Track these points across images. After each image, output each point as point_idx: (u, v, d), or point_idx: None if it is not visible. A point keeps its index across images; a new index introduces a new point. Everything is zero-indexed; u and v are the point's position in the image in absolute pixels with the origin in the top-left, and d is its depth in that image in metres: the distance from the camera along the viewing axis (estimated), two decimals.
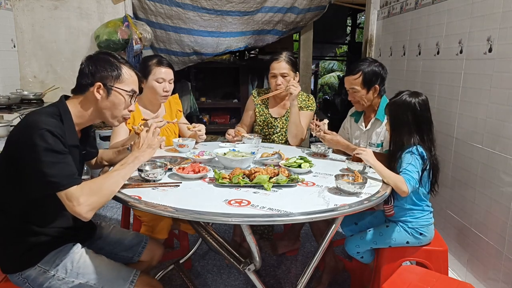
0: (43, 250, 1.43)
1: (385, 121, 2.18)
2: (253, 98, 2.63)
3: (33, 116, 1.34)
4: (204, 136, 2.35)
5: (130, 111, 1.54)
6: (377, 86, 2.16)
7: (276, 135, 2.58)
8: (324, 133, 2.17)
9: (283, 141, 2.56)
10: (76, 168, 1.35)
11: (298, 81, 2.51)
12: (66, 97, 1.48)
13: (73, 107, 1.44)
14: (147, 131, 1.59)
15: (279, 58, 2.43)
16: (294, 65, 2.47)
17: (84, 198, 1.28)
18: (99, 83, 1.42)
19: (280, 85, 2.42)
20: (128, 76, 1.48)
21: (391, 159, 1.83)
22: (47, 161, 1.26)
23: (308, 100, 2.55)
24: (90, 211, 1.30)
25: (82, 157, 1.59)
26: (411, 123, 1.78)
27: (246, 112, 2.67)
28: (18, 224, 1.41)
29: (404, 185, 1.67)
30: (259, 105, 2.61)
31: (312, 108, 2.54)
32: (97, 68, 1.43)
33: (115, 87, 1.45)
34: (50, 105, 1.44)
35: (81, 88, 1.44)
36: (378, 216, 2.05)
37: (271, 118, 2.58)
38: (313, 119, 2.30)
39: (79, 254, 1.46)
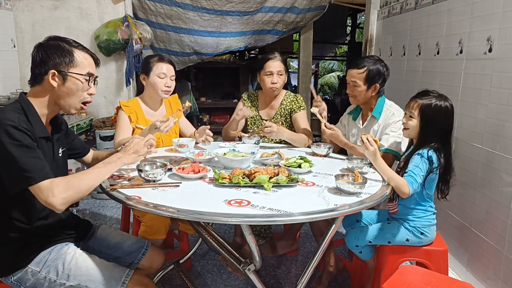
0: (34, 250, 1.41)
1: (381, 120, 2.19)
2: (243, 101, 2.63)
3: None
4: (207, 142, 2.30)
5: (91, 94, 1.48)
6: (377, 85, 2.17)
7: (266, 138, 2.56)
8: (326, 127, 2.18)
9: (273, 142, 2.56)
10: (46, 162, 1.32)
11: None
12: (25, 93, 1.44)
13: (34, 99, 1.41)
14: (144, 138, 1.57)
15: (275, 58, 2.47)
16: (286, 66, 2.55)
17: (59, 190, 1.27)
18: (53, 71, 1.37)
19: (276, 83, 2.44)
20: (82, 59, 1.42)
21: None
22: (16, 156, 1.24)
23: (297, 101, 2.55)
24: (64, 204, 1.29)
25: (63, 153, 1.57)
26: (444, 129, 1.76)
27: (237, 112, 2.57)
28: (5, 223, 1.39)
29: (406, 188, 1.67)
30: (249, 107, 2.61)
31: (303, 107, 2.55)
32: (48, 55, 1.38)
33: (70, 72, 1.39)
34: (11, 102, 1.42)
35: (36, 78, 1.40)
36: (381, 214, 2.05)
37: (261, 120, 2.58)
38: (317, 100, 2.35)
39: (71, 255, 1.45)
